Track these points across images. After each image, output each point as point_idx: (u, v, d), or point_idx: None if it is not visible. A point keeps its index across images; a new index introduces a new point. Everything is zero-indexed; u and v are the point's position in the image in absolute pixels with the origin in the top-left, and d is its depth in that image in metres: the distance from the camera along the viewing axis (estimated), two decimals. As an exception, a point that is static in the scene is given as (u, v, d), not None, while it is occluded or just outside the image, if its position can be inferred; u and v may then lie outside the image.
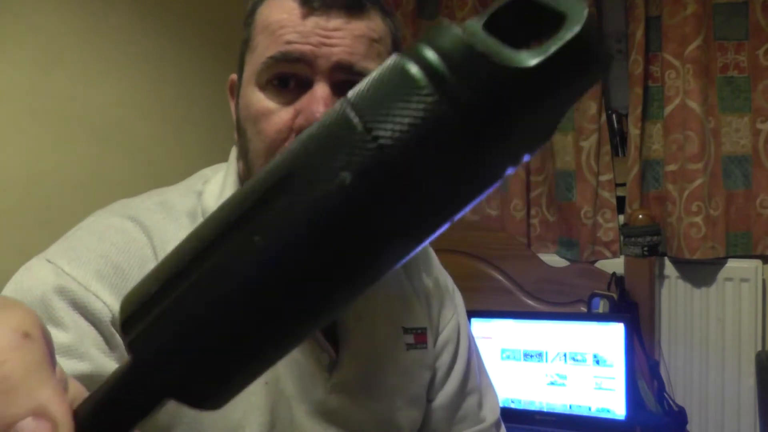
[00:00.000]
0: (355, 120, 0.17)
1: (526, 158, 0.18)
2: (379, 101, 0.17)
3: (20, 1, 1.39)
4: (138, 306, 0.19)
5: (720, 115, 1.76)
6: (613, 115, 1.94)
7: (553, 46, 0.17)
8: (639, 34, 1.80)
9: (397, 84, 0.17)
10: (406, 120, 0.16)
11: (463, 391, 0.73)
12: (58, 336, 0.48)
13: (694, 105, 1.73)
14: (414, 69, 0.17)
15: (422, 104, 0.16)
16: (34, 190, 1.41)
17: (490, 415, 0.75)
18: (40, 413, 0.18)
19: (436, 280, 0.75)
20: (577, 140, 1.88)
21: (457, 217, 0.18)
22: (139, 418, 0.19)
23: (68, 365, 0.47)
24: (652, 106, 1.85)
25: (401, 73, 0.17)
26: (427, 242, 0.18)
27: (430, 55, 0.17)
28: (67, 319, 0.49)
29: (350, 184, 0.16)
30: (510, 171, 0.18)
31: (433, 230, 0.18)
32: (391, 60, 0.18)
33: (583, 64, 0.17)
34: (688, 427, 1.49)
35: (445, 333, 0.74)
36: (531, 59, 0.16)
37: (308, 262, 0.17)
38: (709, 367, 1.75)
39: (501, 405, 0.80)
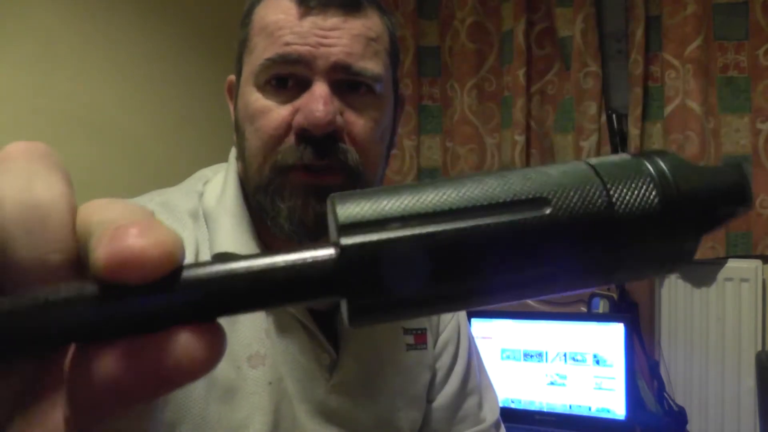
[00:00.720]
0: (599, 181, 0.20)
1: (665, 272, 0.22)
2: (620, 177, 0.20)
3: (20, 1, 1.39)
4: (374, 218, 0.19)
5: (720, 115, 1.76)
6: (613, 115, 1.94)
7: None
8: (639, 34, 1.81)
9: (635, 172, 0.21)
10: (637, 199, 0.20)
11: (463, 392, 0.74)
12: None
13: (694, 105, 1.73)
14: (650, 167, 0.21)
15: (651, 193, 0.20)
16: (34, 190, 1.41)
17: (490, 415, 0.75)
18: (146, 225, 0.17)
19: None
20: (577, 140, 1.88)
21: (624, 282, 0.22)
22: (296, 300, 0.18)
23: None
24: (652, 106, 1.85)
25: (642, 167, 0.21)
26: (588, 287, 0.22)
27: (662, 165, 0.21)
28: None
29: (584, 239, 0.20)
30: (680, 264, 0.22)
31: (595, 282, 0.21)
32: (630, 157, 0.22)
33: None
34: (688, 427, 1.49)
35: (446, 334, 0.74)
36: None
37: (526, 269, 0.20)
38: (709, 367, 1.75)
39: (501, 405, 0.80)
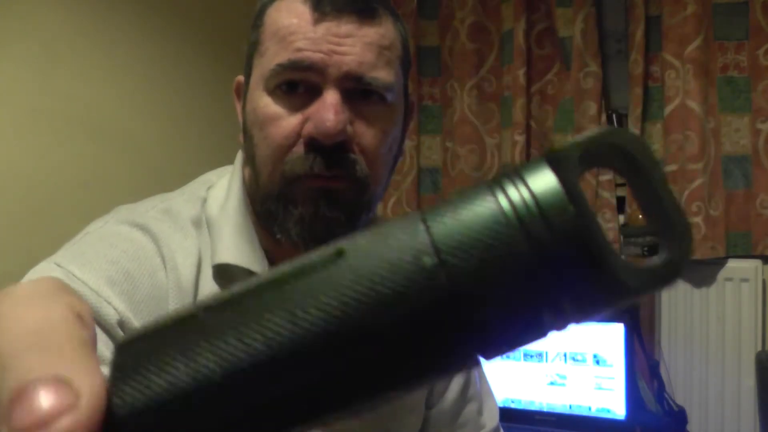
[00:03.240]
0: (425, 236, 0.16)
1: (567, 327, 0.17)
2: (456, 227, 0.16)
3: (22, 1, 1.39)
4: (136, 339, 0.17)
5: (720, 115, 1.76)
6: (613, 115, 1.95)
7: (655, 274, 0.17)
8: (639, 34, 1.81)
9: (479, 215, 0.16)
10: (482, 253, 0.16)
11: (463, 398, 0.73)
12: None
13: (694, 105, 1.73)
14: (505, 207, 0.16)
15: (503, 241, 0.16)
16: (34, 189, 1.41)
17: (490, 421, 0.75)
18: (63, 381, 0.16)
19: None
20: (577, 140, 1.88)
21: (490, 359, 0.17)
22: None
23: None
24: (652, 106, 1.85)
25: (489, 204, 0.17)
26: (446, 376, 0.18)
27: (521, 195, 0.16)
28: None
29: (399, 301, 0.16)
30: (550, 334, 0.17)
31: (460, 367, 0.17)
32: (478, 188, 0.17)
33: (665, 283, 0.17)
34: (688, 427, 1.49)
35: None
36: (632, 280, 0.16)
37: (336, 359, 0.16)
38: (709, 367, 1.75)
39: (501, 405, 0.80)
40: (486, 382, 0.78)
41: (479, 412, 0.74)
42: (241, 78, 0.62)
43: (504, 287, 0.16)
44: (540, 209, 0.16)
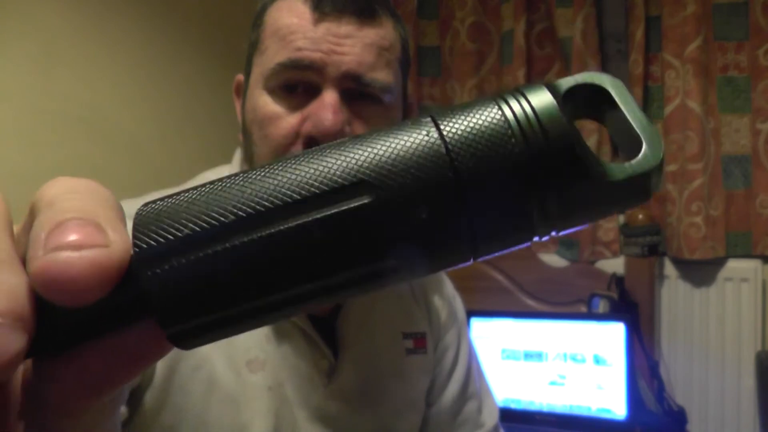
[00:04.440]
0: (446, 158, 0.18)
1: (552, 233, 0.20)
2: (473, 144, 0.19)
3: (22, 1, 1.39)
4: (160, 236, 0.18)
5: (720, 115, 1.76)
6: (613, 115, 1.95)
7: (632, 171, 0.19)
8: (639, 34, 1.81)
9: (485, 119, 0.19)
10: (486, 152, 0.18)
11: (463, 396, 0.74)
12: None
13: (694, 105, 1.73)
14: (506, 111, 0.19)
15: (505, 143, 0.18)
16: (34, 189, 1.41)
17: (489, 419, 0.75)
18: (98, 226, 0.17)
19: (436, 284, 0.75)
20: (577, 140, 1.88)
21: (478, 259, 0.20)
22: (108, 329, 0.18)
23: None
24: (652, 106, 1.85)
25: (493, 111, 0.19)
26: (437, 270, 0.20)
27: (522, 106, 0.19)
28: None
29: (426, 219, 0.18)
30: (536, 239, 0.20)
31: (453, 262, 0.19)
32: (484, 99, 0.20)
33: (641, 194, 0.20)
34: (688, 427, 1.49)
35: (446, 338, 0.74)
36: (615, 174, 0.19)
37: (359, 265, 0.18)
38: (709, 367, 1.75)
39: (501, 405, 0.80)
40: (485, 381, 0.78)
41: (479, 411, 0.75)
42: (240, 77, 0.62)
43: (501, 180, 0.18)
44: (538, 119, 0.19)
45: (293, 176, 0.18)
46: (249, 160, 0.59)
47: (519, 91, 0.20)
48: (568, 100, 0.20)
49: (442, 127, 0.19)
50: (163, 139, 1.71)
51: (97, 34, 1.55)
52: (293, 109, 0.55)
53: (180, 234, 0.18)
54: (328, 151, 0.19)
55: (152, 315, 0.18)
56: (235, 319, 0.18)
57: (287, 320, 0.59)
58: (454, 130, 0.19)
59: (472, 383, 0.75)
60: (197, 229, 0.18)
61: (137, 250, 0.18)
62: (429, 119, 0.19)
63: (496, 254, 0.19)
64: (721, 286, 1.75)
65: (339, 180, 0.18)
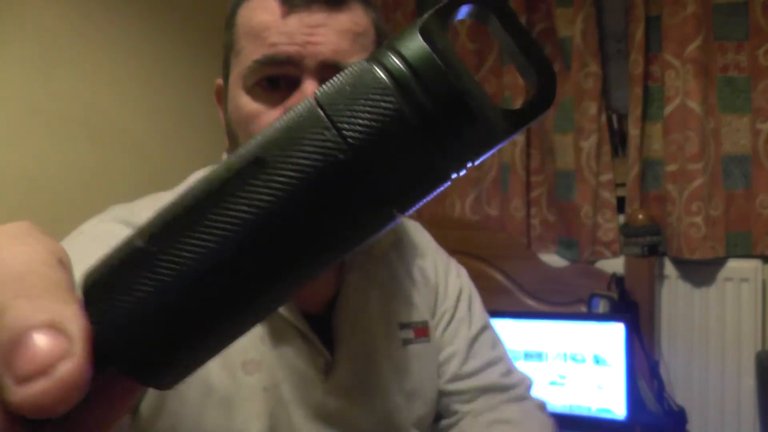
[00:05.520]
0: (324, 118, 0.18)
1: (469, 165, 0.20)
2: (348, 103, 0.19)
3: (21, 1, 1.39)
4: (100, 275, 0.19)
5: (720, 115, 1.76)
6: (613, 115, 1.94)
7: (527, 116, 0.21)
8: (639, 34, 1.80)
9: (365, 88, 0.19)
10: (373, 122, 0.18)
11: (484, 362, 0.72)
12: None
13: (694, 105, 1.73)
14: (382, 75, 0.19)
15: (389, 108, 0.18)
16: (34, 189, 1.41)
17: (520, 385, 0.74)
18: (56, 327, 0.17)
19: (433, 265, 0.75)
20: (577, 140, 1.88)
21: (407, 213, 0.20)
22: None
23: None
24: (652, 106, 1.85)
25: (371, 78, 0.19)
26: (374, 235, 0.20)
27: (399, 65, 0.19)
28: None
29: (312, 177, 0.18)
30: (454, 176, 0.20)
31: (383, 224, 0.19)
32: (360, 65, 0.20)
33: (535, 115, 0.21)
34: (688, 427, 1.49)
35: (457, 312, 0.74)
36: (505, 121, 0.20)
37: (274, 239, 0.18)
38: (709, 367, 1.75)
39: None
40: (506, 351, 0.78)
41: (505, 374, 0.73)
42: (220, 81, 0.63)
43: (396, 148, 0.18)
44: (417, 76, 0.18)
45: (204, 178, 0.19)
46: None
47: (392, 46, 0.19)
48: (452, 17, 0.20)
49: (326, 109, 0.19)
50: (162, 139, 1.71)
51: (96, 35, 1.55)
52: (275, 104, 0.55)
53: (129, 298, 0.18)
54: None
55: (129, 376, 0.19)
56: (202, 345, 0.19)
57: (282, 319, 0.59)
58: (339, 110, 0.19)
59: (491, 350, 0.74)
60: (142, 290, 0.18)
61: (96, 323, 0.18)
62: (313, 100, 0.19)
63: (420, 203, 0.20)
64: (721, 286, 1.75)
65: (237, 163, 0.19)
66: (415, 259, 0.73)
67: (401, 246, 0.72)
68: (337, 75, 0.19)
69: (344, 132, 0.18)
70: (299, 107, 0.19)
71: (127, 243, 0.19)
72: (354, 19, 0.56)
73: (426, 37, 0.19)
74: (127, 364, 0.18)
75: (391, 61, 0.19)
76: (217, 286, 0.18)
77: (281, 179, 0.18)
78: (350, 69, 0.19)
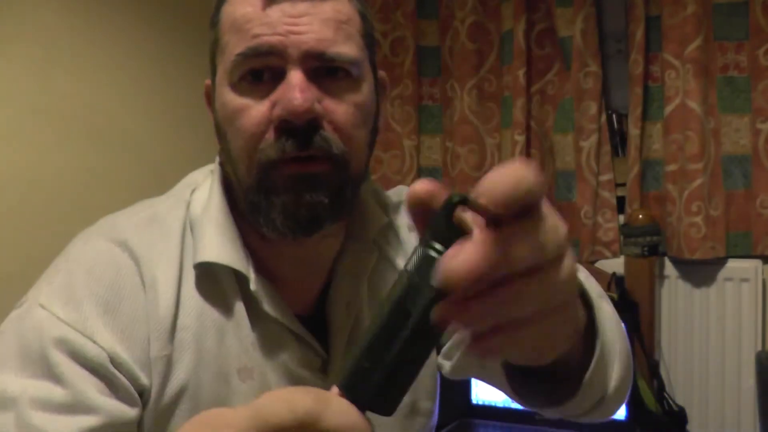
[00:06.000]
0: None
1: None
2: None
3: (21, 1, 1.39)
4: (354, 375, 0.30)
5: (720, 115, 1.76)
6: (613, 115, 1.95)
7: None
8: (639, 34, 1.81)
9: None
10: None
11: None
12: (61, 394, 0.48)
13: (694, 105, 1.73)
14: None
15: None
16: (34, 190, 1.41)
17: None
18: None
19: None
20: (577, 140, 1.88)
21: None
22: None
23: (77, 422, 0.47)
24: (652, 106, 1.85)
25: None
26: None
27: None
28: (69, 373, 0.48)
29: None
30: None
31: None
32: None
33: None
34: (688, 427, 1.49)
35: None
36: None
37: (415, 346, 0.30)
38: (709, 367, 1.75)
39: (501, 405, 0.79)
40: None
41: None
42: (209, 81, 0.62)
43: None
44: None
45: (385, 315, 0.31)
46: (228, 158, 0.58)
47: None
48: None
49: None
50: (162, 139, 1.71)
51: (96, 35, 1.55)
52: (261, 97, 0.54)
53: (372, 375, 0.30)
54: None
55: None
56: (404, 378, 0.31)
57: (274, 323, 0.58)
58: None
59: None
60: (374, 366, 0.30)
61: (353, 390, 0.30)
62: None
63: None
64: (721, 286, 1.75)
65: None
66: (409, 239, 0.72)
67: (391, 229, 0.71)
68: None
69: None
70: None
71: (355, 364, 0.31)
72: (338, 7, 0.55)
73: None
74: (378, 406, 0.30)
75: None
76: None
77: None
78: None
